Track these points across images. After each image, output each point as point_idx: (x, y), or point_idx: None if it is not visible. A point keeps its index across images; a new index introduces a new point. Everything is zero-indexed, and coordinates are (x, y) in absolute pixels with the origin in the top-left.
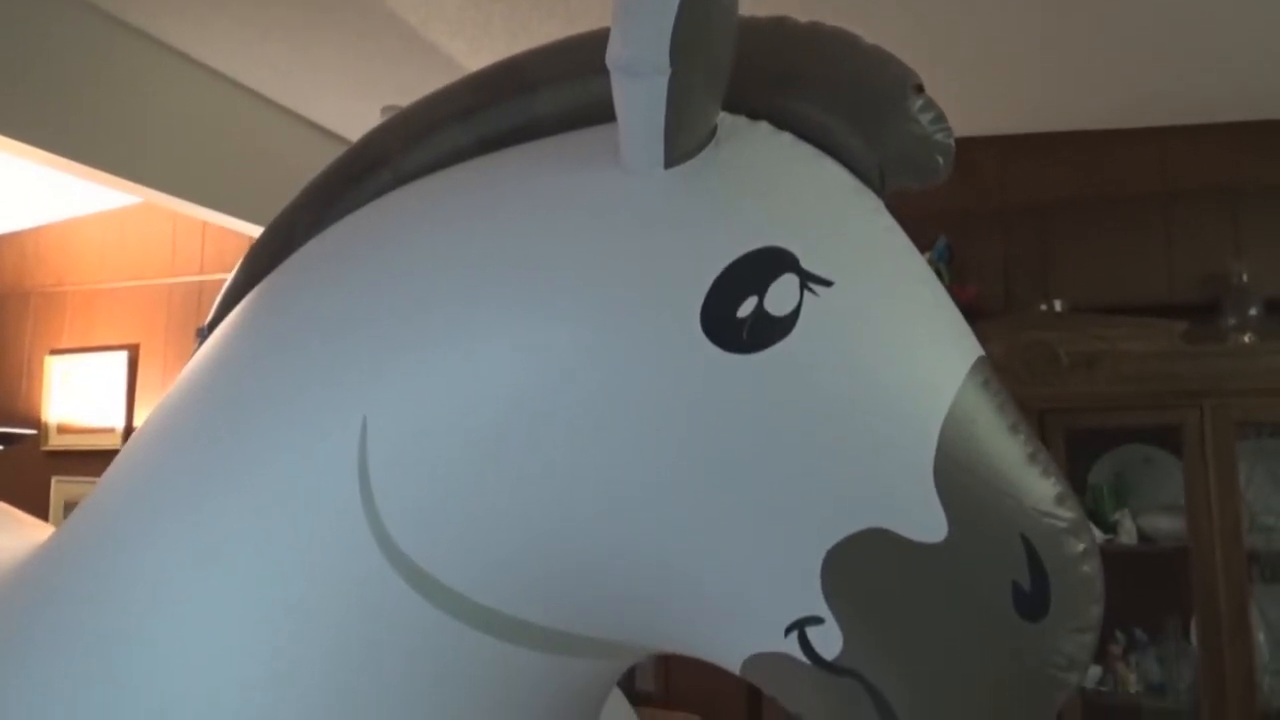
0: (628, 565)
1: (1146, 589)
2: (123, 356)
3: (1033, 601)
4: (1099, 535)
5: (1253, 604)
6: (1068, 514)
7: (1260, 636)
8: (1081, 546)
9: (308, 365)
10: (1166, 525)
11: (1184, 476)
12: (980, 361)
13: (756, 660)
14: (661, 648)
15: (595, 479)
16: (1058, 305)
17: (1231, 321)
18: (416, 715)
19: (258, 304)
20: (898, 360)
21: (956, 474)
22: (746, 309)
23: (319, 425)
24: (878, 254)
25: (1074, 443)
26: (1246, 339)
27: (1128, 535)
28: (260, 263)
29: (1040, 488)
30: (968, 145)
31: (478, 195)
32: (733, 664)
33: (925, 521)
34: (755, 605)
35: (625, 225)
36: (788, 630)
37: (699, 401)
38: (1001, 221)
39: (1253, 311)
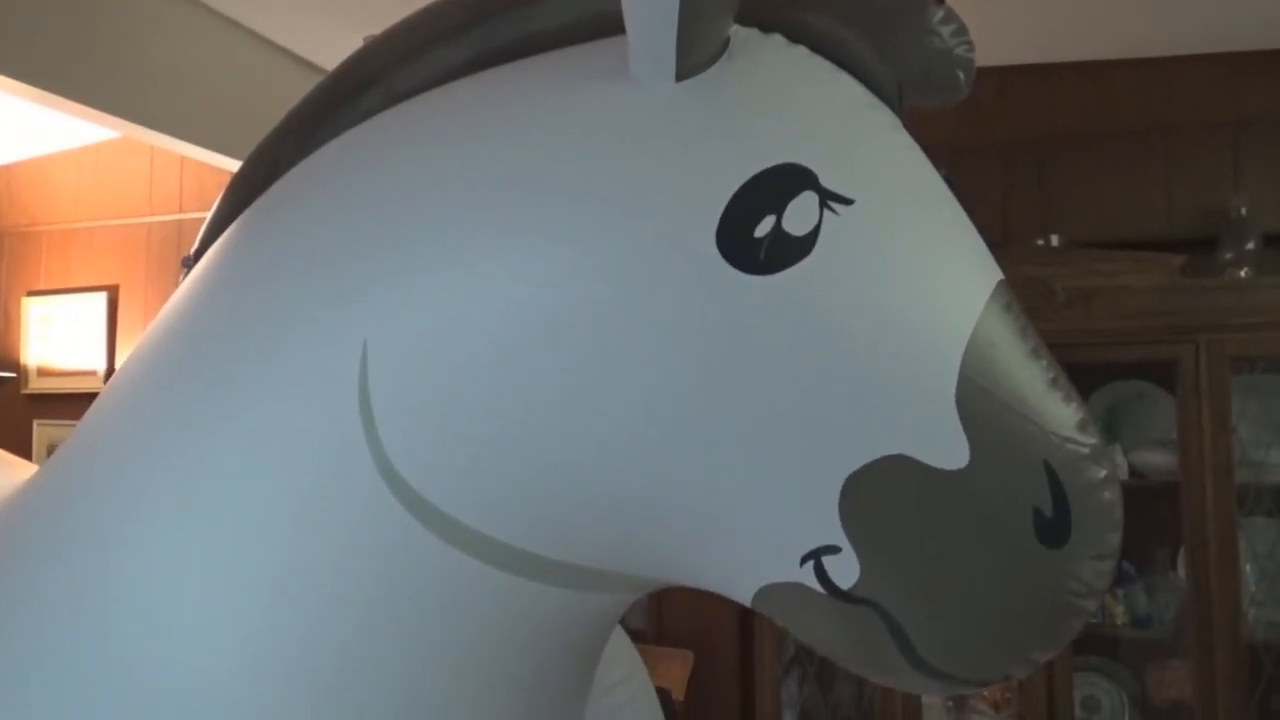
0: (639, 496)
1: (1136, 523)
2: (102, 298)
3: (1054, 528)
4: None
5: (1241, 537)
6: (1089, 440)
7: (1247, 568)
8: (1103, 473)
9: (301, 291)
10: (1158, 460)
11: (1177, 412)
12: (1001, 285)
13: (769, 591)
14: (672, 581)
15: (606, 406)
16: (1055, 240)
17: (1229, 256)
18: (424, 654)
19: (245, 231)
20: (920, 282)
21: (979, 399)
22: (764, 228)
23: (316, 351)
24: (897, 172)
25: (1069, 378)
26: (1243, 274)
27: (1119, 470)
28: (246, 190)
29: (1062, 413)
30: None
31: (476, 113)
32: (744, 595)
33: (947, 448)
34: (771, 535)
35: (634, 141)
36: (803, 560)
37: (715, 325)
38: (1001, 154)
39: (1250, 246)
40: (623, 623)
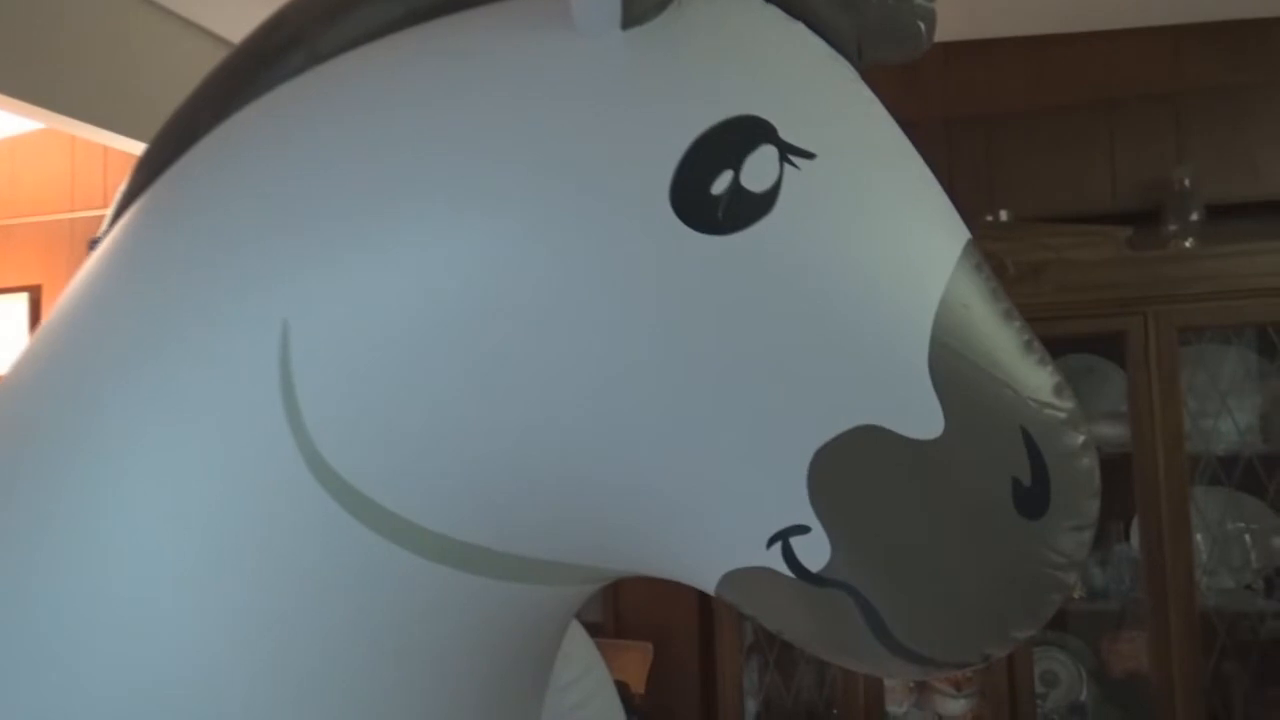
0: (591, 480)
1: None
2: (23, 299)
3: (1033, 498)
4: None
5: (1192, 506)
6: (1066, 404)
7: (1199, 537)
8: (1081, 438)
9: (214, 269)
10: (1109, 433)
11: (1128, 384)
12: (970, 244)
13: (734, 577)
14: (629, 571)
15: (554, 386)
16: (1004, 215)
17: (1173, 227)
18: (363, 655)
19: (153, 206)
20: (887, 240)
21: (953, 364)
22: (721, 185)
23: (230, 334)
24: (860, 126)
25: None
26: (1188, 244)
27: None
28: (158, 164)
29: (1038, 377)
30: None
31: (406, 73)
32: (707, 583)
33: (920, 416)
34: (735, 517)
35: (579, 96)
36: (770, 542)
37: (671, 290)
38: (946, 131)
39: (1194, 217)
40: (578, 616)
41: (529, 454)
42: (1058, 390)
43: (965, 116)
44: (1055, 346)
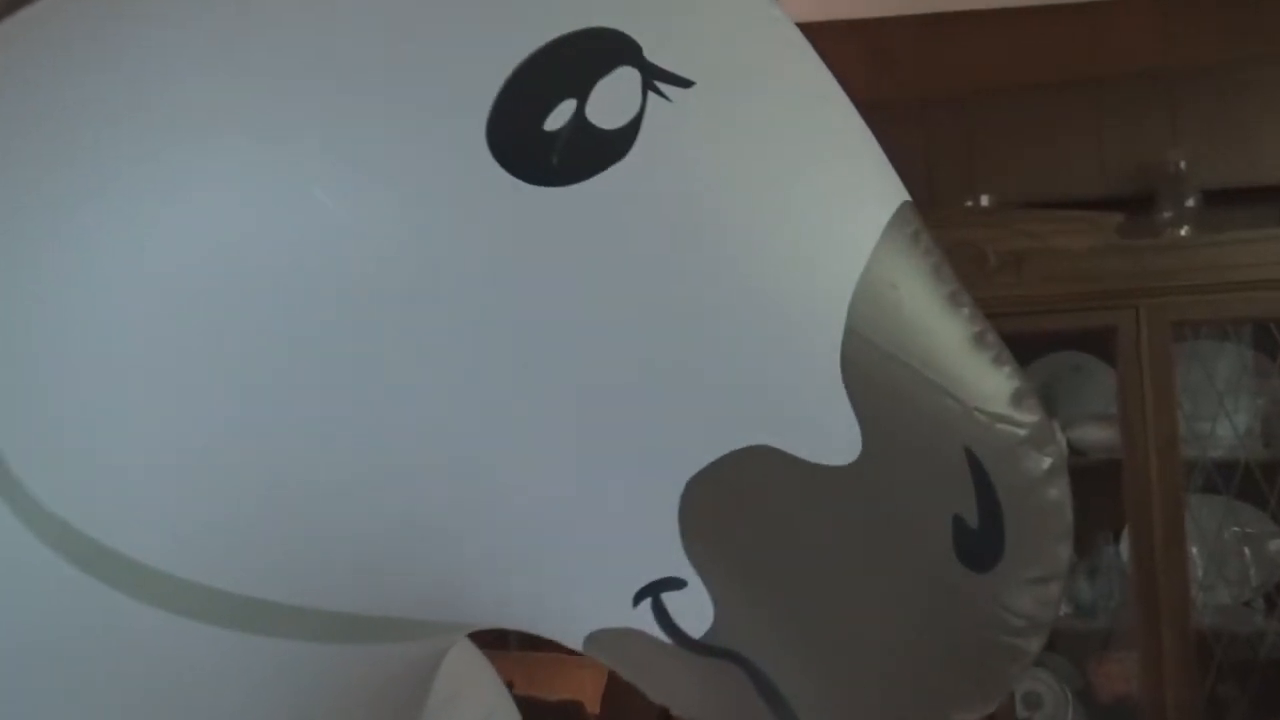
0: (397, 514)
1: (1076, 504)
2: None
3: (982, 542)
4: None
5: (1187, 516)
6: (1028, 417)
7: (1194, 550)
8: (1046, 462)
9: None
10: (1097, 436)
11: (1118, 383)
12: (906, 207)
13: (600, 638)
14: (477, 623)
15: (337, 391)
16: (984, 201)
17: (1167, 214)
18: None
19: None
20: (790, 199)
21: (875, 364)
22: (559, 119)
23: None
24: (762, 53)
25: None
26: (1183, 233)
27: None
28: None
29: (990, 381)
30: (884, 27)
31: None
32: (573, 641)
33: (829, 434)
34: (588, 565)
35: (381, 11)
36: (637, 598)
37: (488, 262)
38: (923, 111)
39: (1190, 203)
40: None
41: (318, 489)
42: (1017, 399)
43: (943, 95)
44: (1039, 343)
